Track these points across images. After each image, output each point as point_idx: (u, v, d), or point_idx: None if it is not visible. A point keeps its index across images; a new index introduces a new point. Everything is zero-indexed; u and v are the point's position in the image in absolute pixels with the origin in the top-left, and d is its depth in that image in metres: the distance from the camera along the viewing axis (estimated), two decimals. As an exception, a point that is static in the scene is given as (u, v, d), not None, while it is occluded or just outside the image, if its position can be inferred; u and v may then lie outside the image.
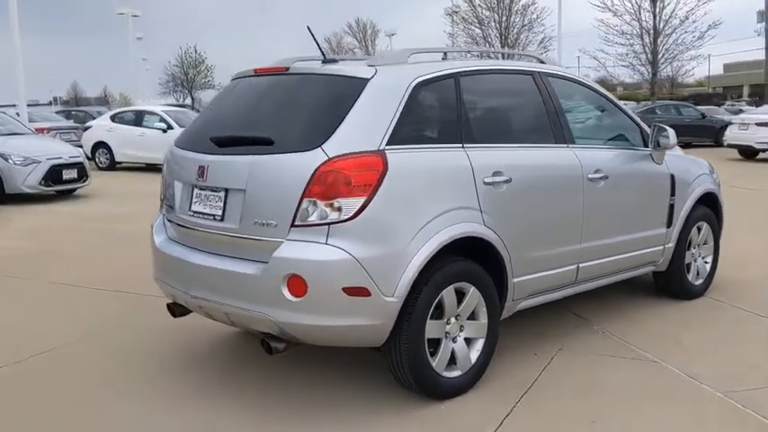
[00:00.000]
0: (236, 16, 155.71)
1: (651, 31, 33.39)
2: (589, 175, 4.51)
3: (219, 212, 3.70)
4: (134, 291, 5.97)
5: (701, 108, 27.27)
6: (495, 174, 3.91)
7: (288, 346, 3.61)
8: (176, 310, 4.22)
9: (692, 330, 4.90)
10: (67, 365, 4.41)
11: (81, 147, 15.72)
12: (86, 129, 18.26)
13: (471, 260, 3.82)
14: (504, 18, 42.55)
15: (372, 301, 3.40)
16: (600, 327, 4.95)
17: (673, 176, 5.23)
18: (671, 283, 5.49)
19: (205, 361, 4.44)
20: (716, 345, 4.59)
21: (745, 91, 77.56)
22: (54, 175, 11.96)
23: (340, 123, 3.49)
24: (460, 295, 3.78)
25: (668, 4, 33.01)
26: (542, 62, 4.84)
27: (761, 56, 57.65)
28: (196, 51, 60.29)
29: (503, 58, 4.76)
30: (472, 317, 3.87)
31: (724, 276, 5.97)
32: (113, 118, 18.39)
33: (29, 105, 21.30)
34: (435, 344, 3.71)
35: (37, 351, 4.61)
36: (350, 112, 3.52)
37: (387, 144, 3.54)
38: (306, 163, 3.41)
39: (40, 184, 11.83)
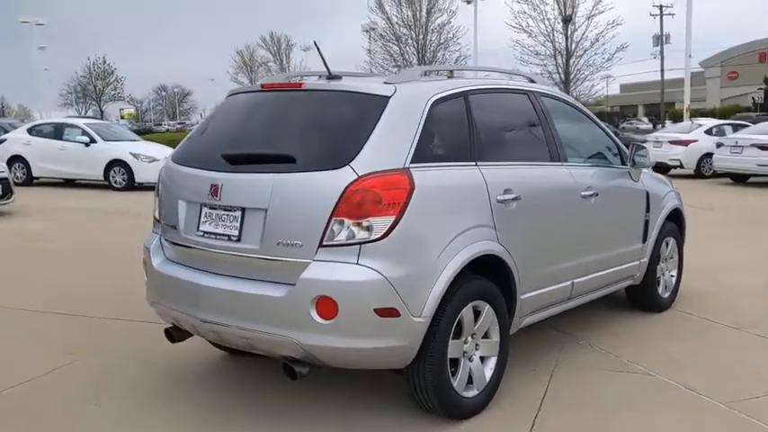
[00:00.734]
0: (146, 29, 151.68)
1: (564, 53, 34.79)
2: (582, 193, 4.62)
3: (236, 232, 3.55)
4: (91, 314, 5.72)
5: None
6: (506, 191, 3.95)
7: (311, 370, 3.50)
8: (176, 335, 4.03)
9: (674, 342, 5.07)
10: (50, 396, 4.12)
11: (-3, 161, 14.79)
12: (0, 142, 17.23)
13: (485, 278, 3.82)
14: (421, 36, 43.29)
15: (401, 322, 3.35)
16: (585, 341, 5.05)
17: (647, 193, 5.43)
18: (644, 297, 5.68)
19: (201, 386, 4.26)
20: (701, 356, 4.77)
21: (641, 110, 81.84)
22: (-26, 192, 11.23)
23: (366, 141, 3.43)
24: (476, 314, 3.77)
25: (579, 28, 34.53)
26: (532, 81, 4.93)
27: (657, 77, 61.11)
28: (105, 62, 58.20)
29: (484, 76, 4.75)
30: (486, 335, 3.87)
31: (684, 289, 6.23)
32: (31, 131, 17.45)
33: None
34: (454, 364, 3.68)
35: (10, 384, 4.29)
36: (375, 130, 3.47)
37: (411, 162, 3.50)
38: (335, 181, 3.33)
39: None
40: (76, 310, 5.86)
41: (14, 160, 16.58)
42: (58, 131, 16.98)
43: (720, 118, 29.61)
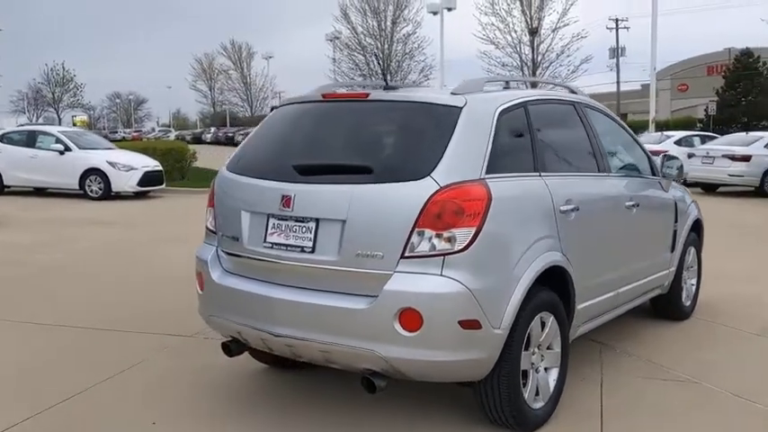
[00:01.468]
0: (99, 35, 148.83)
1: (530, 64, 35.31)
2: (626, 203, 4.68)
3: (309, 244, 3.50)
4: (119, 328, 5.56)
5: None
6: (567, 202, 3.97)
7: (388, 383, 3.46)
8: (234, 348, 3.94)
9: (707, 350, 5.16)
10: (98, 413, 4.00)
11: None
12: (-32, 151, 16.69)
13: (549, 289, 3.83)
14: (387, 46, 43.48)
15: (483, 334, 3.34)
16: (621, 350, 5.11)
17: (676, 204, 5.53)
18: (669, 305, 5.77)
19: (247, 399, 4.18)
20: (736, 363, 4.86)
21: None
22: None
23: (443, 152, 3.41)
24: (541, 325, 3.78)
25: (545, 40, 35.13)
26: (573, 92, 4.98)
27: (613, 88, 62.44)
28: (64, 69, 56.94)
29: (533, 86, 4.78)
30: (549, 346, 3.88)
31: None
32: (1, 138, 16.95)
33: None
34: (524, 375, 3.68)
35: (58, 399, 4.14)
36: (451, 141, 3.45)
37: (485, 173, 3.50)
38: (417, 192, 3.30)
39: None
40: (102, 324, 5.71)
41: (-17, 169, 16.07)
42: (30, 139, 16.55)
43: (673, 129, 30.36)
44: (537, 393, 3.77)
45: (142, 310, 6.18)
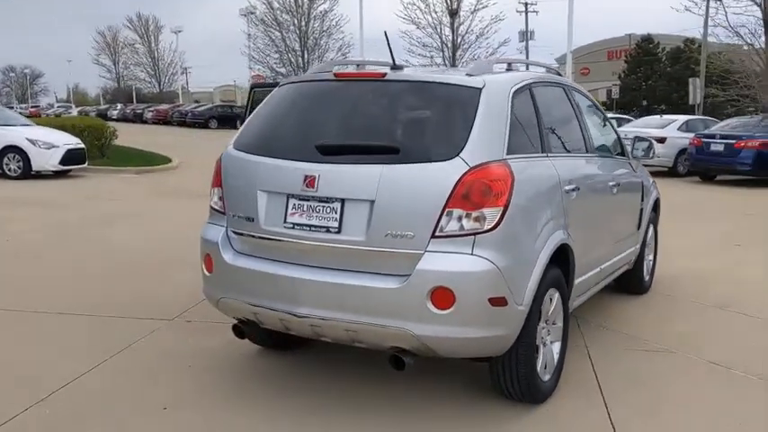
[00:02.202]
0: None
1: (450, 45, 35.72)
2: (610, 183, 4.88)
3: (335, 224, 3.49)
4: (97, 313, 5.42)
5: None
6: (570, 182, 4.12)
7: (415, 360, 3.51)
8: (246, 331, 3.90)
9: (675, 322, 5.48)
10: (98, 398, 3.88)
11: None
12: None
13: (555, 266, 3.97)
14: (304, 23, 42.93)
15: (508, 311, 3.44)
16: (597, 323, 5.35)
17: (642, 183, 5.81)
18: (633, 281, 6.07)
19: (248, 381, 4.15)
20: (703, 334, 5.18)
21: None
22: None
23: (469, 132, 3.47)
24: (549, 301, 3.92)
25: (464, 22, 35.58)
26: (559, 74, 5.13)
27: (521, 72, 63.95)
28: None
29: (526, 68, 4.88)
30: (554, 321, 4.03)
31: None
32: None
33: None
34: (536, 350, 3.81)
35: (55, 386, 3.98)
36: (475, 122, 3.51)
37: (506, 153, 3.58)
38: (448, 172, 3.35)
39: None
40: (79, 309, 5.49)
41: None
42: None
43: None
44: (545, 367, 3.92)
45: (113, 293, 5.98)
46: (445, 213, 3.33)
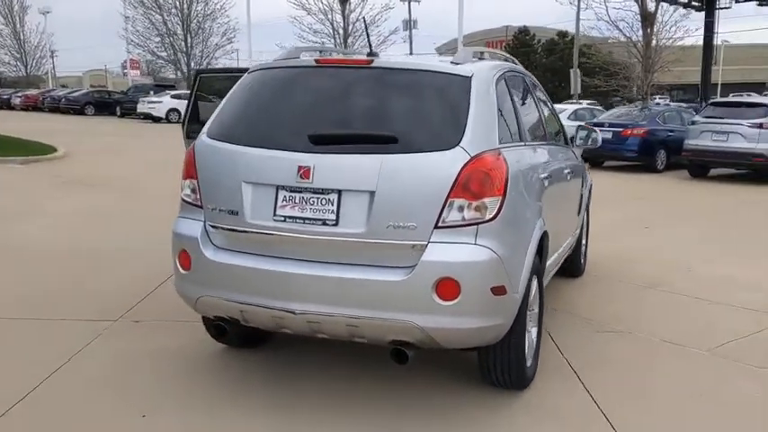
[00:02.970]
0: None
1: (342, 32, 35.54)
2: (565, 171, 5.01)
3: (332, 216, 3.37)
4: (34, 316, 5.03)
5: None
6: (544, 170, 4.19)
7: (415, 354, 3.46)
8: (229, 329, 3.72)
9: (617, 303, 5.73)
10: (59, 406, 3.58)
11: None
12: None
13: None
14: (186, 6, 41.43)
15: (507, 299, 3.46)
16: (547, 306, 5.49)
17: (583, 170, 6.01)
18: (572, 264, 6.26)
19: (215, 380, 3.97)
20: (648, 313, 5.44)
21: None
22: None
23: (466, 122, 3.44)
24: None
25: (355, 9, 35.51)
26: (516, 63, 5.18)
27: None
28: None
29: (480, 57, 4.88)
30: (532, 307, 4.09)
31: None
32: None
33: None
34: (525, 337, 3.86)
35: (12, 399, 3.64)
36: (470, 111, 3.49)
37: (499, 143, 3.59)
38: (450, 162, 3.32)
39: None
40: (14, 313, 5.07)
41: None
42: None
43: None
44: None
45: (45, 293, 5.56)
46: (448, 203, 3.29)
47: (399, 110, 3.63)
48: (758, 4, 45.02)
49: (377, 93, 3.69)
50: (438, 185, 3.30)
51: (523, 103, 4.53)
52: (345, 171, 3.38)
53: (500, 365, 3.74)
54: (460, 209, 3.30)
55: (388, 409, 3.72)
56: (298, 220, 3.42)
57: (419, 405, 3.77)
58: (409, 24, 63.62)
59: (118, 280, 5.91)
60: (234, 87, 3.94)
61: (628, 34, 24.57)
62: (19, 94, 47.05)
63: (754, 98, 23.09)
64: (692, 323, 5.22)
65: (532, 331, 4.10)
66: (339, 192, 3.38)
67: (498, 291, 3.38)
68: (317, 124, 3.59)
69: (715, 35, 39.94)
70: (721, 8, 39.37)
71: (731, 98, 28.00)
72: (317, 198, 3.41)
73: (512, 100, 4.12)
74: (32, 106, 44.31)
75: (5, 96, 47.90)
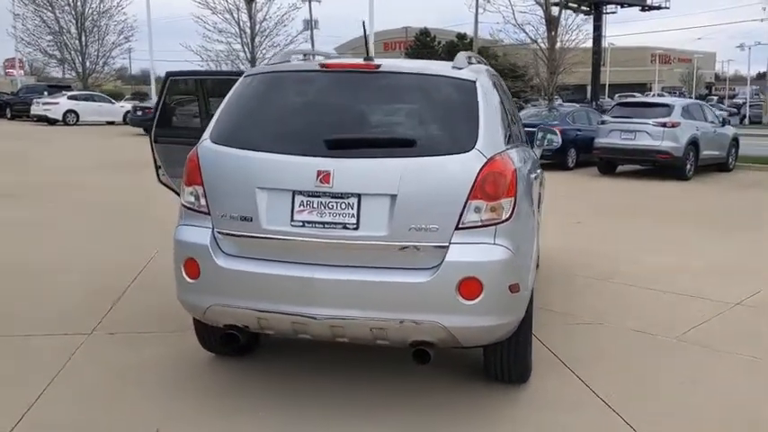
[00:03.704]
0: None
1: (248, 32, 34.90)
2: (537, 171, 5.20)
3: (352, 220, 3.38)
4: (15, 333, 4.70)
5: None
6: (531, 170, 4.34)
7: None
8: (242, 338, 3.65)
9: (583, 295, 5.98)
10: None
11: None
12: None
13: None
14: (80, 3, 39.63)
15: (520, 297, 3.58)
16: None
17: (542, 171, 6.23)
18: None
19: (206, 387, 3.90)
20: (610, 304, 5.71)
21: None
22: None
23: (478, 125, 3.53)
24: None
25: (261, 9, 35.01)
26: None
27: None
28: None
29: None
30: (527, 302, 4.23)
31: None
32: None
33: None
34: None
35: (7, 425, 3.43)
36: (480, 114, 3.58)
37: (505, 144, 3.69)
38: (468, 164, 3.39)
39: None
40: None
41: None
42: None
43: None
44: (526, 347, 4.11)
45: (8, 308, 5.24)
46: (468, 205, 3.37)
47: (413, 114, 3.68)
48: (640, 10, 47.92)
49: (388, 97, 3.73)
50: (458, 187, 3.37)
51: (506, 107, 4.66)
52: (366, 175, 3.40)
53: (507, 360, 3.85)
54: (479, 210, 3.39)
55: (393, 406, 3.77)
56: (317, 225, 3.41)
57: (424, 402, 3.83)
58: (310, 24, 63.37)
59: (69, 294, 5.66)
60: (235, 91, 3.87)
61: (533, 37, 25.48)
62: None
63: (659, 99, 24.45)
64: (653, 312, 5.52)
65: (530, 326, 4.23)
66: (359, 196, 3.39)
67: (514, 288, 3.49)
68: (332, 129, 3.58)
69: (603, 38, 42.18)
70: (608, 13, 41.86)
71: (637, 99, 29.60)
72: (336, 202, 3.40)
73: (502, 103, 4.23)
74: None
75: None
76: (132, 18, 40.15)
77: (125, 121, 32.12)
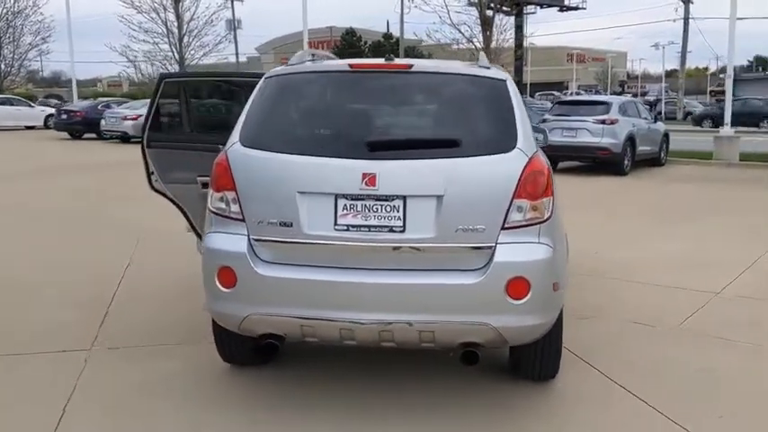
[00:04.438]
0: None
1: (176, 32, 33.97)
2: None
3: (399, 223, 3.34)
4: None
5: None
6: None
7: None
8: (279, 346, 3.55)
9: (572, 291, 6.02)
10: None
11: None
12: None
13: None
14: (-3, 5, 37.79)
15: (559, 294, 3.62)
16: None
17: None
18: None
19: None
20: (603, 299, 5.84)
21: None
22: None
23: (515, 124, 3.54)
24: None
25: (189, 9, 34.15)
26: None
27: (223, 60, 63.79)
28: None
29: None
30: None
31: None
32: None
33: None
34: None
35: None
36: (515, 114, 3.59)
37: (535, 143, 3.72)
38: (512, 164, 3.40)
39: None
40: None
41: None
42: None
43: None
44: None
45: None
46: (512, 204, 3.38)
47: (450, 114, 3.67)
48: (558, 10, 49.38)
49: (423, 97, 3.70)
50: (504, 187, 3.38)
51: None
52: (411, 177, 3.36)
53: (541, 357, 3.88)
54: (522, 209, 3.40)
55: (418, 407, 3.76)
56: (362, 229, 3.35)
57: (452, 402, 3.83)
58: (233, 24, 62.33)
59: (53, 308, 5.40)
60: (261, 93, 3.74)
61: (469, 37, 25.85)
62: None
63: (597, 97, 25.20)
64: (645, 304, 5.67)
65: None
66: (404, 198, 3.35)
67: (556, 286, 3.53)
68: (373, 130, 3.55)
69: (525, 38, 43.25)
70: (528, 13, 43.02)
71: (576, 97, 30.41)
72: (381, 205, 3.35)
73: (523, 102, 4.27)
74: None
75: None
76: (50, 18, 38.52)
77: (46, 126, 30.83)
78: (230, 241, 3.49)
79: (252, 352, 4.05)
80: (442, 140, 3.47)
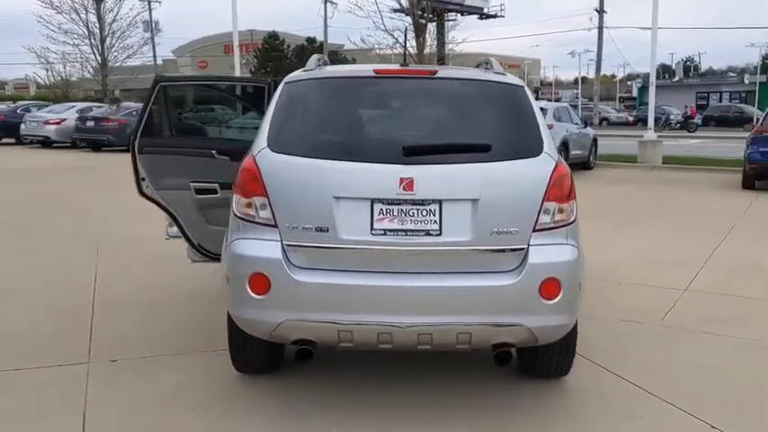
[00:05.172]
0: None
1: (97, 32, 32.77)
2: None
3: (435, 227, 3.38)
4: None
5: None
6: None
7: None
8: (313, 352, 3.53)
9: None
10: None
11: None
12: None
13: None
14: None
15: (581, 294, 3.73)
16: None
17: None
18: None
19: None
20: (587, 300, 5.96)
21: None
22: None
23: (539, 129, 3.65)
24: None
25: (112, 9, 33.05)
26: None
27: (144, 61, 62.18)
28: None
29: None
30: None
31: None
32: None
33: None
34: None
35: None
36: (537, 119, 3.70)
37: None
38: (542, 168, 3.50)
39: None
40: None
41: None
42: None
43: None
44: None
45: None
46: (543, 207, 3.47)
47: (479, 119, 3.73)
48: (478, 18, 50.53)
49: (449, 103, 3.74)
50: (535, 190, 3.47)
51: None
52: (447, 181, 3.41)
53: (559, 355, 3.97)
54: (549, 212, 3.50)
55: (435, 409, 3.80)
56: (399, 233, 3.37)
57: (467, 402, 3.89)
58: (150, 26, 60.71)
59: (34, 320, 5.20)
60: (287, 98, 3.72)
61: (402, 42, 26.07)
62: None
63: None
64: (626, 303, 5.86)
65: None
66: (440, 201, 3.39)
67: (580, 287, 3.64)
68: (406, 135, 3.56)
69: (445, 45, 44.07)
70: (449, 20, 43.93)
71: None
72: (418, 209, 3.38)
73: None
74: None
75: None
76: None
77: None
78: (262, 247, 3.44)
79: (267, 360, 4.01)
80: (476, 145, 3.53)
